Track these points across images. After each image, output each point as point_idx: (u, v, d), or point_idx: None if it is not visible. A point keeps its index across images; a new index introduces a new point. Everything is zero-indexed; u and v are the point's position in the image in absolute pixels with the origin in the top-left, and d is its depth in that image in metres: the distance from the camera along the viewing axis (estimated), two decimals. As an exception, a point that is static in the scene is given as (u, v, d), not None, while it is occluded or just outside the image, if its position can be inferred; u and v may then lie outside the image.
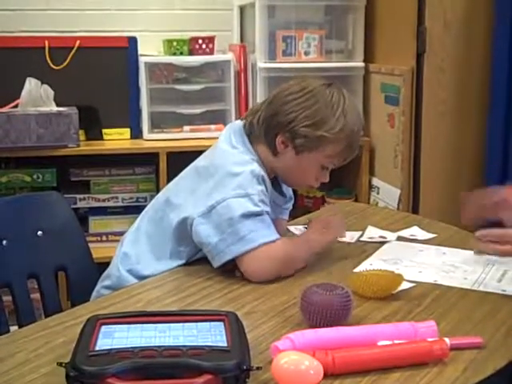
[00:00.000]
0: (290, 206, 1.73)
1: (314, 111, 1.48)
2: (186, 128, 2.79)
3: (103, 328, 1.04)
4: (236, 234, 1.41)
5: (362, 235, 1.71)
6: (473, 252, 1.48)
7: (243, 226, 1.41)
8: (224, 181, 1.46)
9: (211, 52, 2.83)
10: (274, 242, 1.44)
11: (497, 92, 2.40)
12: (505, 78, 2.35)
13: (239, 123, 1.60)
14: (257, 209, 1.44)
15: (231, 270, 1.45)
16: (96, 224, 2.75)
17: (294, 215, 1.91)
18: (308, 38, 2.79)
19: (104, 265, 1.63)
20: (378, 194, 2.76)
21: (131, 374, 0.91)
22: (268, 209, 1.48)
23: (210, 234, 1.43)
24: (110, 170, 2.76)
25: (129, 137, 2.77)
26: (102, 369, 0.91)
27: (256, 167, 1.49)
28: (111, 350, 0.95)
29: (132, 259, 1.56)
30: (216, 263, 1.45)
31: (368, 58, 2.85)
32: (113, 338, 1.01)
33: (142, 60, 2.73)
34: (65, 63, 2.65)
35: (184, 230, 1.48)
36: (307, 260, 1.49)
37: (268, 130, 1.52)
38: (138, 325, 1.06)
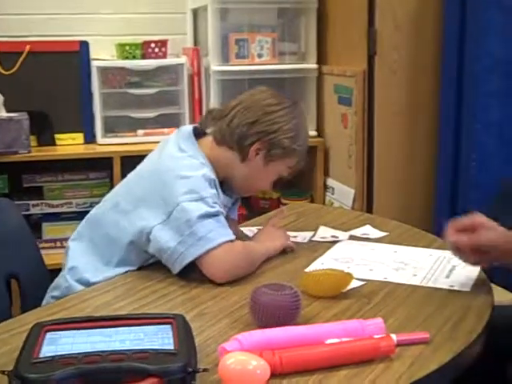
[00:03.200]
0: (237, 205, 1.73)
1: (293, 125, 1.56)
2: (140, 132, 2.78)
3: (48, 335, 1.03)
4: (195, 234, 1.41)
5: (314, 235, 1.72)
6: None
7: (201, 227, 1.41)
8: (176, 185, 1.45)
9: (164, 56, 2.82)
10: (232, 241, 1.45)
11: (447, 91, 2.43)
12: (454, 77, 2.38)
13: (188, 127, 1.60)
14: (212, 210, 1.44)
15: (190, 268, 1.44)
16: (50, 230, 2.71)
17: (250, 216, 1.91)
18: (261, 41, 2.79)
19: (58, 271, 1.61)
20: (332, 194, 2.78)
21: (75, 380, 0.90)
22: (222, 210, 1.49)
23: (169, 239, 1.43)
24: (63, 176, 2.74)
25: (82, 142, 2.75)
26: (44, 376, 0.89)
27: (207, 171, 1.50)
28: (55, 356, 0.94)
29: (79, 269, 1.53)
30: (177, 268, 1.44)
31: (321, 59, 2.87)
32: (57, 344, 1.00)
33: (94, 64, 2.71)
34: (15, 68, 2.62)
35: (139, 238, 1.47)
36: (260, 262, 1.51)
37: (244, 136, 1.54)
38: (84, 330, 1.04)
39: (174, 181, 1.46)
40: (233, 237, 1.46)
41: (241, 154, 1.55)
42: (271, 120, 1.54)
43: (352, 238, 1.71)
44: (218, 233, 1.43)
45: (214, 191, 1.49)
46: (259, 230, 1.68)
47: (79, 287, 1.50)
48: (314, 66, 2.85)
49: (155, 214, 1.45)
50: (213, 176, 1.50)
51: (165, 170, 1.50)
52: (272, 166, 1.57)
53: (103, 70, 2.73)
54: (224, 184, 1.59)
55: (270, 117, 1.54)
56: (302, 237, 1.71)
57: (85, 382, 0.91)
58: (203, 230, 1.41)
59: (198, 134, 1.60)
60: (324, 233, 1.74)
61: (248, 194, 1.71)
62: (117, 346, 0.99)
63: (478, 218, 1.34)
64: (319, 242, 1.68)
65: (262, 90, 1.61)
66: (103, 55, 2.83)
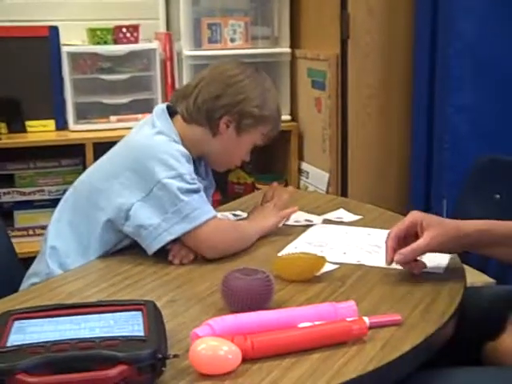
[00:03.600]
0: (212, 190, 1.71)
1: (259, 93, 1.55)
2: (113, 118, 2.75)
3: (16, 323, 1.01)
4: (180, 212, 1.42)
5: (287, 219, 1.71)
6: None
7: (186, 205, 1.42)
8: (152, 162, 1.44)
9: (136, 41, 2.78)
10: (216, 216, 1.47)
11: (419, 74, 2.44)
12: (427, 60, 2.38)
13: (162, 105, 1.59)
14: (193, 186, 1.45)
15: (163, 254, 1.44)
16: (22, 218, 2.68)
17: (224, 202, 1.90)
18: (233, 25, 2.77)
19: (32, 259, 1.59)
20: (307, 178, 2.78)
21: (43, 369, 0.89)
22: (201, 185, 1.50)
23: (151, 216, 1.42)
24: (34, 163, 2.70)
25: (54, 128, 2.72)
26: (11, 365, 0.87)
27: (182, 148, 1.49)
28: (22, 345, 0.92)
29: (60, 252, 1.52)
30: (155, 245, 1.43)
31: (294, 43, 2.86)
32: (25, 333, 0.98)
33: (64, 50, 2.67)
34: (-17, 54, 2.58)
35: (117, 215, 1.46)
36: (254, 239, 1.53)
37: (211, 111, 1.53)
38: (53, 318, 1.03)
39: (150, 158, 1.45)
40: (216, 213, 1.48)
41: (211, 129, 1.55)
42: (236, 91, 1.54)
43: (326, 221, 1.71)
44: (203, 210, 1.44)
45: (191, 166, 1.49)
46: (253, 208, 1.68)
47: (61, 272, 1.47)
48: (287, 50, 2.84)
49: (132, 191, 1.44)
50: (187, 153, 1.50)
51: (139, 146, 1.49)
52: (245, 136, 1.57)
53: (74, 56, 2.69)
54: (198, 163, 1.58)
55: (234, 87, 1.54)
56: (276, 221, 1.69)
57: (53, 371, 0.89)
58: (188, 208, 1.42)
59: (172, 112, 1.58)
60: (298, 217, 1.73)
61: (227, 168, 1.69)
62: (86, 333, 0.98)
63: (416, 216, 1.31)
64: (293, 226, 1.67)
65: (224, 62, 1.62)
66: (74, 40, 2.78)
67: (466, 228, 1.28)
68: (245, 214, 1.73)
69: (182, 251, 1.44)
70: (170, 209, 1.42)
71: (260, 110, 1.55)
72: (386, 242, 1.32)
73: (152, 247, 1.44)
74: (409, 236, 1.31)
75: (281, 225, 1.63)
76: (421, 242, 1.27)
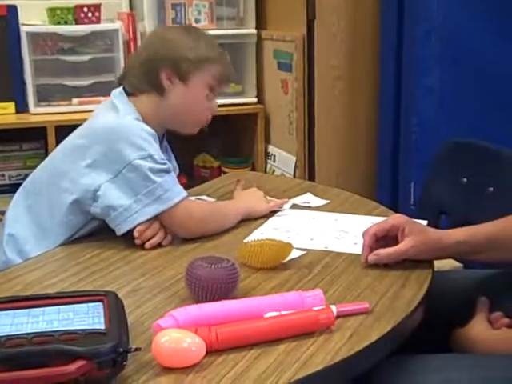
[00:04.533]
0: (176, 173, 1.67)
1: (190, 39, 1.54)
2: (75, 101, 2.70)
3: (-30, 317, 0.97)
4: (152, 194, 1.40)
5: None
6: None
7: (158, 186, 1.41)
8: (121, 144, 1.41)
9: (98, 21, 2.72)
10: (188, 196, 1.46)
11: (387, 55, 2.42)
12: (394, 41, 2.36)
13: (118, 89, 1.56)
14: (163, 166, 1.44)
15: (126, 241, 1.41)
16: (-19, 204, 2.61)
17: (191, 185, 1.87)
18: (198, 6, 2.72)
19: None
20: (274, 161, 2.75)
21: (-3, 365, 0.85)
22: (171, 165, 1.49)
23: (122, 196, 1.40)
24: (-6, 147, 2.64)
25: (14, 111, 2.66)
26: (-39, 362, 0.84)
27: (147, 127, 1.47)
28: (-25, 340, 0.88)
29: (19, 240, 1.48)
30: (125, 227, 1.41)
31: (260, 24, 2.82)
32: (-21, 327, 0.94)
33: (23, 30, 2.60)
34: None
35: (83, 196, 1.42)
36: (234, 221, 1.52)
37: (150, 70, 1.52)
38: (9, 311, 0.99)
39: (118, 139, 1.42)
40: (186, 193, 1.47)
41: (158, 90, 1.52)
42: (165, 45, 1.54)
43: (293, 206, 1.68)
44: (174, 192, 1.43)
45: (157, 146, 1.47)
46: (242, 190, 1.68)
47: (19, 261, 1.43)
48: (253, 31, 2.80)
49: (99, 173, 1.42)
50: (152, 131, 1.47)
51: (106, 129, 1.46)
52: (193, 82, 1.53)
53: (34, 36, 2.62)
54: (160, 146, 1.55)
55: (163, 43, 1.54)
56: (242, 206, 1.66)
57: (8, 367, 0.85)
58: (160, 190, 1.41)
59: (128, 94, 1.55)
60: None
61: (200, 125, 1.62)
62: (44, 327, 0.94)
63: (399, 220, 1.29)
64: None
65: (154, 31, 1.64)
66: (33, 20, 2.71)
67: (446, 240, 1.26)
68: (210, 199, 1.70)
69: (148, 232, 1.41)
70: (141, 190, 1.40)
71: (195, 52, 1.52)
72: (364, 238, 1.29)
73: (122, 229, 1.41)
74: (388, 237, 1.29)
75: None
76: (399, 248, 1.25)
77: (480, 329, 1.22)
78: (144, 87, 1.52)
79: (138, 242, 1.40)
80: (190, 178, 2.84)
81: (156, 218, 1.42)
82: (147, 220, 1.41)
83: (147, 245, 1.41)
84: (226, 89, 1.62)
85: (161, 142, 1.58)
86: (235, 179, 1.94)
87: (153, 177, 1.41)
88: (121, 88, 1.56)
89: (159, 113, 1.53)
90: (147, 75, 1.52)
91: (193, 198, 1.69)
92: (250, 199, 1.62)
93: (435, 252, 1.28)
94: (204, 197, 1.73)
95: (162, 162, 1.44)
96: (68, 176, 1.45)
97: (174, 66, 1.51)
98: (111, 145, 1.42)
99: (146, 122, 1.49)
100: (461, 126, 2.19)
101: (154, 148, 1.44)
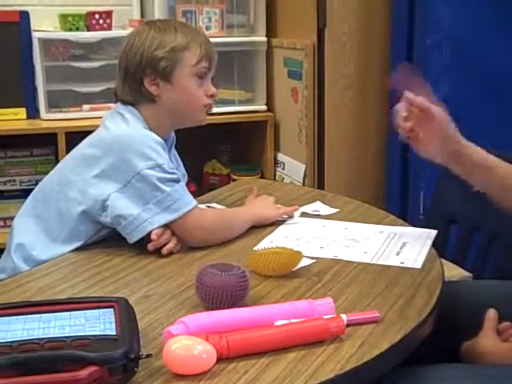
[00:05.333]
0: (185, 180, 1.68)
1: (153, 38, 1.48)
2: (86, 107, 2.69)
3: (-18, 322, 0.97)
4: (161, 203, 1.40)
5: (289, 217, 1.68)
6: None
7: (167, 196, 1.41)
8: (130, 155, 1.41)
9: (109, 27, 2.73)
10: (197, 205, 1.46)
11: (396, 64, 2.41)
12: (404, 50, 2.37)
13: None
14: (173, 176, 1.44)
15: (138, 248, 1.41)
16: (-8, 209, 2.63)
17: (200, 192, 1.87)
18: (209, 13, 2.73)
19: (2, 251, 1.55)
20: (283, 169, 2.75)
21: (9, 370, 0.85)
22: (180, 174, 1.49)
23: (131, 206, 1.40)
24: (5, 152, 2.64)
25: (25, 117, 2.65)
26: (-25, 366, 0.84)
27: (155, 136, 1.46)
28: (-13, 345, 0.89)
29: (26, 247, 1.48)
30: (136, 235, 1.41)
31: (270, 32, 2.82)
32: (-9, 332, 0.94)
33: (35, 36, 2.60)
34: (-49, 40, 2.51)
35: (92, 207, 1.43)
36: (244, 228, 1.52)
37: (133, 83, 1.49)
38: (21, 316, 0.99)
39: (127, 149, 1.42)
40: (196, 202, 1.46)
41: (148, 98, 1.50)
42: (132, 53, 1.49)
43: (303, 214, 1.68)
44: (184, 201, 1.43)
45: (166, 155, 1.47)
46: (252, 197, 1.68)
47: (26, 268, 1.43)
48: (263, 38, 2.80)
49: (107, 183, 1.42)
50: (160, 140, 1.47)
51: (115, 138, 1.45)
52: (176, 78, 1.49)
53: (45, 42, 2.62)
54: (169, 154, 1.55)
55: (131, 52, 1.49)
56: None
57: (20, 372, 0.86)
58: (170, 199, 1.41)
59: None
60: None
61: (203, 114, 1.57)
62: (55, 332, 0.94)
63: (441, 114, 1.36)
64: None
65: (125, 41, 1.56)
66: (45, 26, 2.73)
67: (467, 149, 1.38)
68: (220, 206, 1.70)
69: (164, 237, 1.42)
70: (150, 200, 1.40)
71: (161, 47, 1.48)
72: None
73: (133, 237, 1.42)
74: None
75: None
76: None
77: (488, 341, 1.22)
78: (137, 99, 1.50)
79: (151, 247, 1.40)
80: (200, 184, 2.84)
81: (167, 225, 1.42)
82: (159, 227, 1.41)
83: (164, 250, 1.40)
84: (214, 64, 1.55)
85: (169, 150, 1.58)
86: (244, 187, 1.95)
87: (162, 186, 1.41)
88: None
89: (160, 118, 1.52)
90: (134, 89, 1.50)
91: (202, 205, 1.70)
92: (260, 206, 1.62)
93: (451, 139, 1.38)
94: (214, 204, 1.73)
95: (172, 171, 1.44)
96: (76, 186, 1.45)
97: (152, 69, 1.48)
98: (121, 155, 1.42)
99: (152, 130, 1.49)
100: (471, 134, 2.18)
101: (163, 157, 1.44)
